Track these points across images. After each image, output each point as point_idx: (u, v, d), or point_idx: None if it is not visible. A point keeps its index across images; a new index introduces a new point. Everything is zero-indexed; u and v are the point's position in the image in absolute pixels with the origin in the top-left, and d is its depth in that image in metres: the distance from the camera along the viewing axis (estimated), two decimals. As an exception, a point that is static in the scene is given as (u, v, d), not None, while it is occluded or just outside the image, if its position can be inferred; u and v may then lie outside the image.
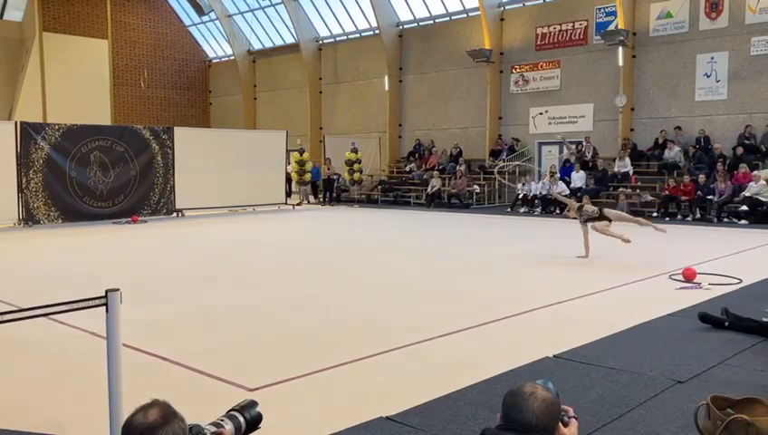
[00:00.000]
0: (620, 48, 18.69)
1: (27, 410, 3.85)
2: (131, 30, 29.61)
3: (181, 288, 7.64)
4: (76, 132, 15.33)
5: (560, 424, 1.94)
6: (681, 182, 15.91)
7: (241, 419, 1.96)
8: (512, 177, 20.66)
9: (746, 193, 14.68)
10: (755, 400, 2.95)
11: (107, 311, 2.91)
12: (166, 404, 1.69)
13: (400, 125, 24.87)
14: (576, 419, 2.01)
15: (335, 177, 22.63)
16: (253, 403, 2.02)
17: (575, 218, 9.88)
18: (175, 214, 17.08)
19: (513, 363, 4.49)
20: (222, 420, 1.92)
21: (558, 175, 18.15)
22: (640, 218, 9.79)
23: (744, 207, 14.57)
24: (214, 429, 1.87)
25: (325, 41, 27.07)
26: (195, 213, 17.31)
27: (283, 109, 28.82)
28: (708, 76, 17.69)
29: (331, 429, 3.45)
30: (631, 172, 17.68)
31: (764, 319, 5.27)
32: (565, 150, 19.24)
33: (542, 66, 20.78)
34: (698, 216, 15.29)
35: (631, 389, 4.02)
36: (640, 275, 8.04)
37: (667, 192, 16.05)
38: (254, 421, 1.99)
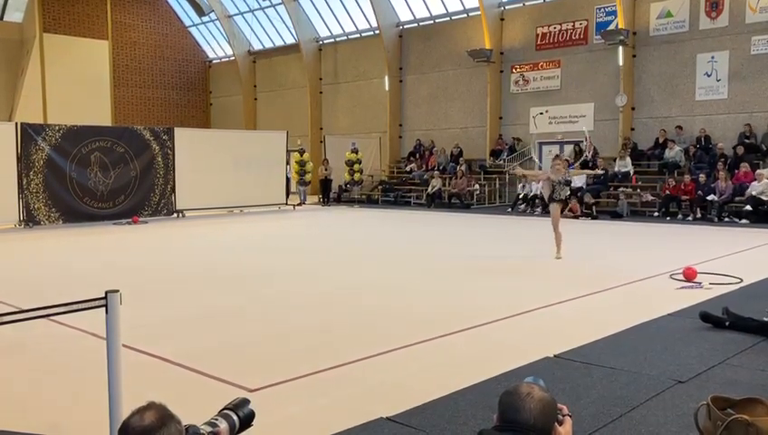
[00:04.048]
0: (621, 48, 18.69)
1: (27, 411, 3.85)
2: (131, 31, 29.64)
3: (181, 289, 7.64)
4: (76, 133, 15.33)
5: (555, 423, 1.93)
6: (681, 182, 15.90)
7: (234, 417, 1.96)
8: (512, 177, 20.70)
9: (752, 192, 14.61)
10: (756, 400, 2.94)
11: (107, 312, 2.91)
12: (162, 406, 1.69)
13: (401, 125, 24.88)
14: (570, 417, 2.00)
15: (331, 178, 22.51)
16: (245, 401, 2.02)
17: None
18: (175, 214, 17.08)
19: (513, 363, 4.49)
20: (216, 420, 1.92)
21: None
22: (560, 237, 9.58)
23: (748, 207, 14.52)
24: (209, 429, 1.87)
25: (325, 41, 27.09)
26: (195, 214, 17.31)
27: (284, 109, 28.83)
28: (709, 75, 17.68)
29: (332, 429, 3.45)
30: (632, 172, 17.68)
31: (765, 318, 5.26)
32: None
33: (542, 66, 20.78)
34: (699, 215, 15.28)
35: (632, 389, 4.02)
36: (641, 274, 8.03)
37: (667, 192, 16.05)
38: (248, 419, 2.00)
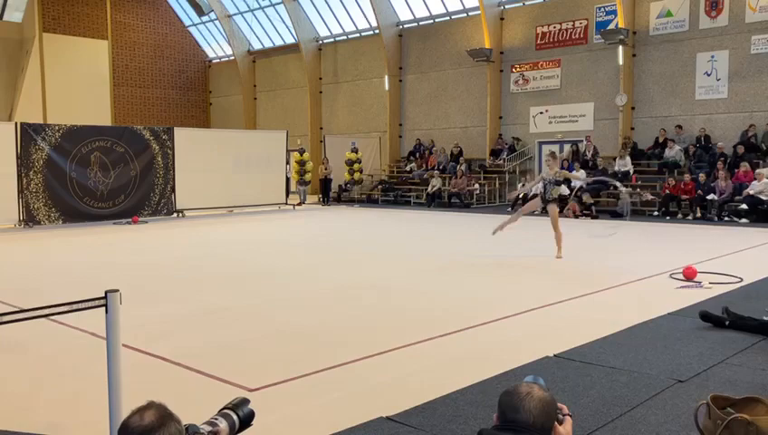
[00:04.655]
0: (620, 47, 18.69)
1: (27, 411, 3.85)
2: (131, 30, 29.63)
3: (181, 288, 7.64)
4: (76, 133, 15.33)
5: (555, 423, 1.94)
6: (681, 181, 15.90)
7: (234, 417, 1.96)
8: (512, 176, 20.71)
9: (750, 191, 14.62)
10: (756, 399, 2.95)
11: (106, 311, 2.92)
12: (162, 406, 1.69)
13: (400, 125, 24.87)
14: (570, 416, 2.00)
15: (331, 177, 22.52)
16: (245, 401, 2.02)
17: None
18: (175, 214, 17.08)
19: (513, 363, 4.49)
20: (216, 419, 1.92)
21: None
22: (560, 236, 9.60)
23: (744, 206, 14.54)
24: (209, 428, 1.87)
25: (325, 41, 27.08)
26: (195, 213, 17.31)
27: (284, 109, 28.83)
28: (708, 75, 17.68)
29: (332, 429, 3.45)
30: (632, 171, 17.68)
31: (765, 317, 5.27)
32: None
33: (542, 65, 20.78)
34: (699, 215, 15.29)
35: (632, 388, 4.02)
36: (641, 274, 8.03)
37: (667, 191, 16.05)
38: (247, 419, 2.00)
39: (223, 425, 1.91)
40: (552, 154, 10.32)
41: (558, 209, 9.64)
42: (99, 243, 12.25)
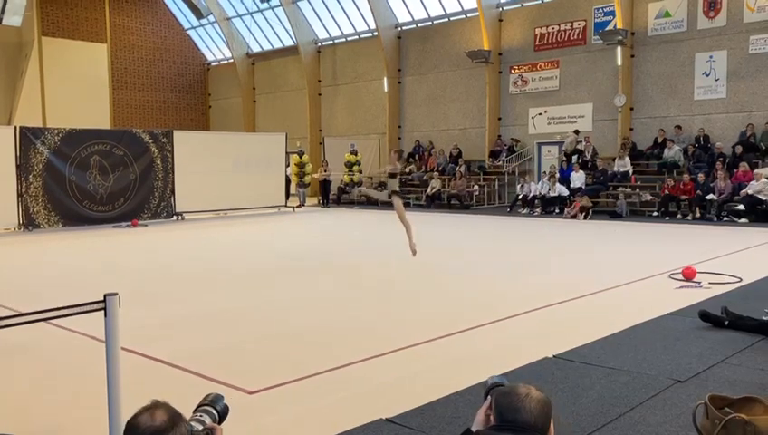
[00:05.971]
0: (619, 48, 18.71)
1: (27, 415, 3.85)
2: (130, 34, 29.65)
3: (181, 291, 7.64)
4: (75, 136, 15.33)
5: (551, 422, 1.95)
6: (680, 181, 15.91)
7: (214, 412, 1.97)
8: (511, 177, 20.72)
9: (748, 190, 14.63)
10: (754, 399, 2.95)
11: (105, 315, 2.92)
12: (169, 406, 1.67)
13: (399, 126, 24.88)
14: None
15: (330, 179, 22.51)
16: (220, 397, 2.05)
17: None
18: (175, 217, 17.07)
19: (513, 364, 4.49)
20: (201, 416, 1.93)
21: (558, 175, 18.17)
22: (409, 226, 9.37)
23: (741, 206, 14.54)
24: (200, 426, 1.88)
25: (324, 43, 27.11)
26: (195, 216, 17.31)
27: (283, 111, 28.84)
28: (707, 75, 17.69)
29: (331, 431, 3.45)
30: (631, 172, 17.69)
31: (764, 317, 5.27)
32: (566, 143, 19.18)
33: (540, 66, 20.80)
34: (698, 215, 15.29)
35: (631, 388, 4.02)
36: (640, 274, 8.03)
37: (666, 191, 16.05)
38: (224, 414, 2.03)
39: (209, 421, 1.92)
40: (396, 150, 10.34)
41: (402, 201, 9.53)
42: (98, 246, 12.25)
